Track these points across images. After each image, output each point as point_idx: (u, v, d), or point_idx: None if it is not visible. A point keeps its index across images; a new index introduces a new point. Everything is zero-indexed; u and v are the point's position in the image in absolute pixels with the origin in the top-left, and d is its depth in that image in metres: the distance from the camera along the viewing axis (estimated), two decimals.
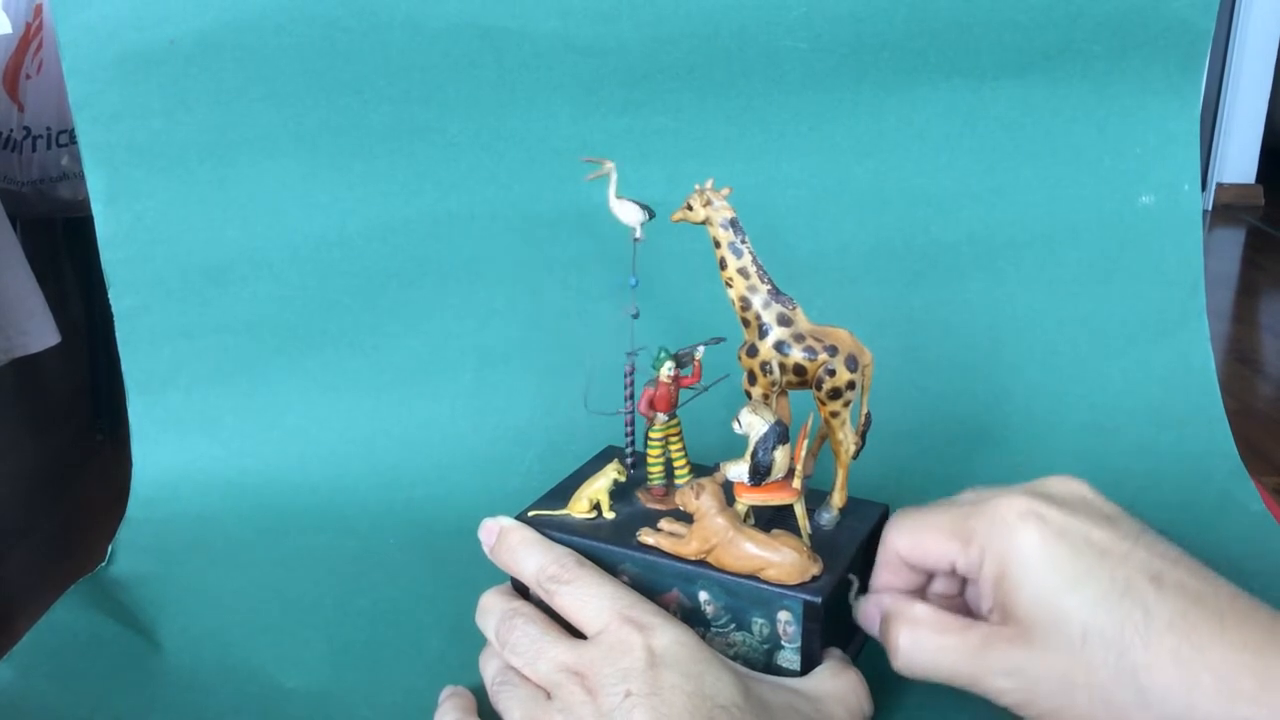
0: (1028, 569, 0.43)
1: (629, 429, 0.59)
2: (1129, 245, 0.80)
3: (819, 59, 0.75)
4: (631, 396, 0.57)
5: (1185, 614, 0.41)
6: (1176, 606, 0.41)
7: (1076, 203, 0.80)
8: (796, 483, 0.51)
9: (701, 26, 0.74)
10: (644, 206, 0.55)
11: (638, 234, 0.55)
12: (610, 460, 0.56)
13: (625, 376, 0.57)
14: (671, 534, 0.52)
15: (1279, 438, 1.30)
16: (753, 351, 0.53)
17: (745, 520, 0.51)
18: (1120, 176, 0.79)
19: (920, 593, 0.50)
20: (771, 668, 0.51)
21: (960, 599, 0.50)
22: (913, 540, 0.48)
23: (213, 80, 0.73)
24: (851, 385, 0.52)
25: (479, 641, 0.52)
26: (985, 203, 0.79)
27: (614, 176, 0.54)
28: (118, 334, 0.76)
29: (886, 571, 0.50)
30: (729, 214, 0.53)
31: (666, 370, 0.54)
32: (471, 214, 0.78)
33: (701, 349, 0.55)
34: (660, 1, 0.73)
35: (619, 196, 0.54)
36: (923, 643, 0.46)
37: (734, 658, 0.50)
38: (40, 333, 1.03)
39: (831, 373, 0.52)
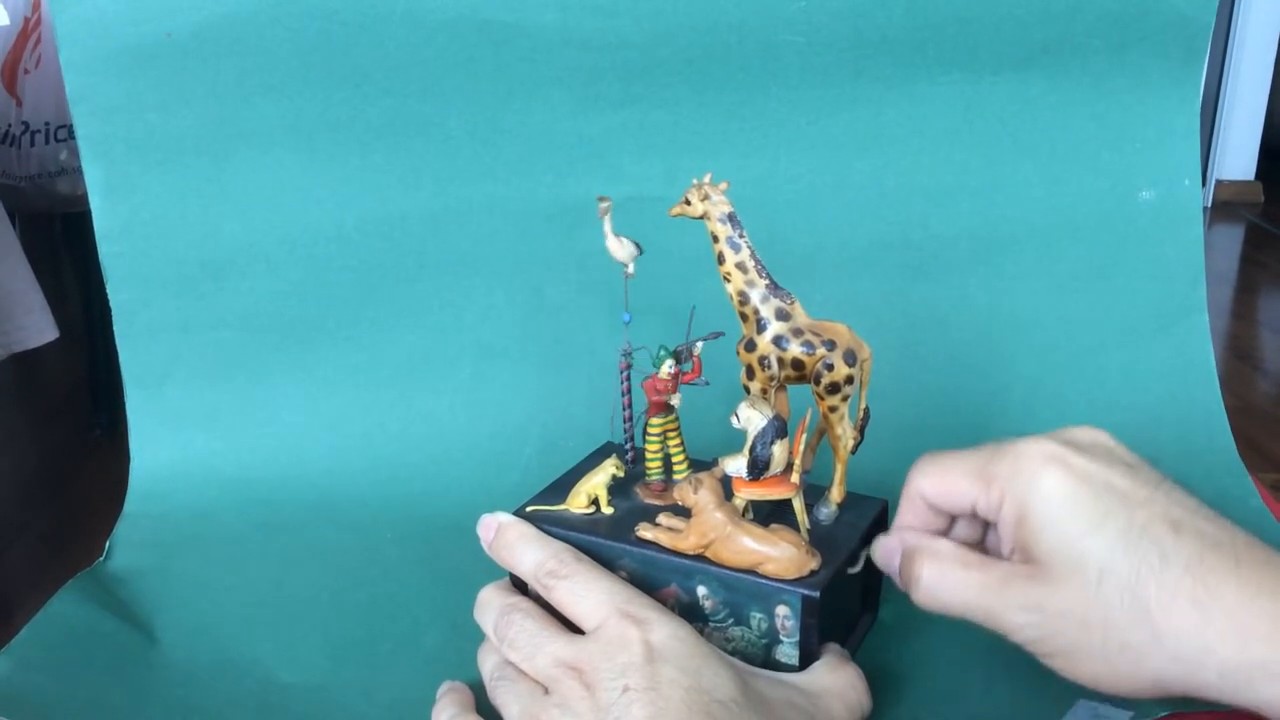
0: (1049, 511, 0.44)
1: (627, 425, 0.59)
2: (1129, 240, 0.80)
3: (818, 53, 0.75)
4: (628, 392, 0.57)
5: (1201, 558, 0.41)
6: (1193, 550, 0.42)
7: (1076, 198, 0.79)
8: (795, 477, 0.51)
9: (700, 20, 0.73)
10: (637, 244, 0.55)
11: (630, 270, 0.55)
12: (608, 455, 0.56)
13: (620, 373, 0.57)
14: (670, 529, 0.52)
15: (1278, 435, 1.30)
16: (751, 346, 0.53)
17: (743, 515, 0.51)
18: (1120, 171, 0.79)
19: (941, 536, 0.50)
20: (770, 663, 0.51)
21: (981, 545, 0.51)
22: (936, 481, 0.49)
23: (210, 74, 0.73)
24: (850, 380, 0.52)
25: (477, 636, 0.52)
26: (984, 197, 0.79)
27: (610, 215, 0.54)
28: (115, 328, 0.76)
29: (909, 512, 0.50)
30: (727, 208, 0.53)
31: (667, 368, 0.54)
32: (470, 208, 0.78)
33: (700, 344, 0.55)
34: None
35: (616, 234, 0.55)
36: (945, 576, 0.47)
37: (732, 653, 0.50)
38: (38, 328, 1.03)
39: (830, 367, 0.52)
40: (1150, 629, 0.41)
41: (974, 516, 0.49)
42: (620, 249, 0.55)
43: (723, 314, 0.55)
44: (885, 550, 0.50)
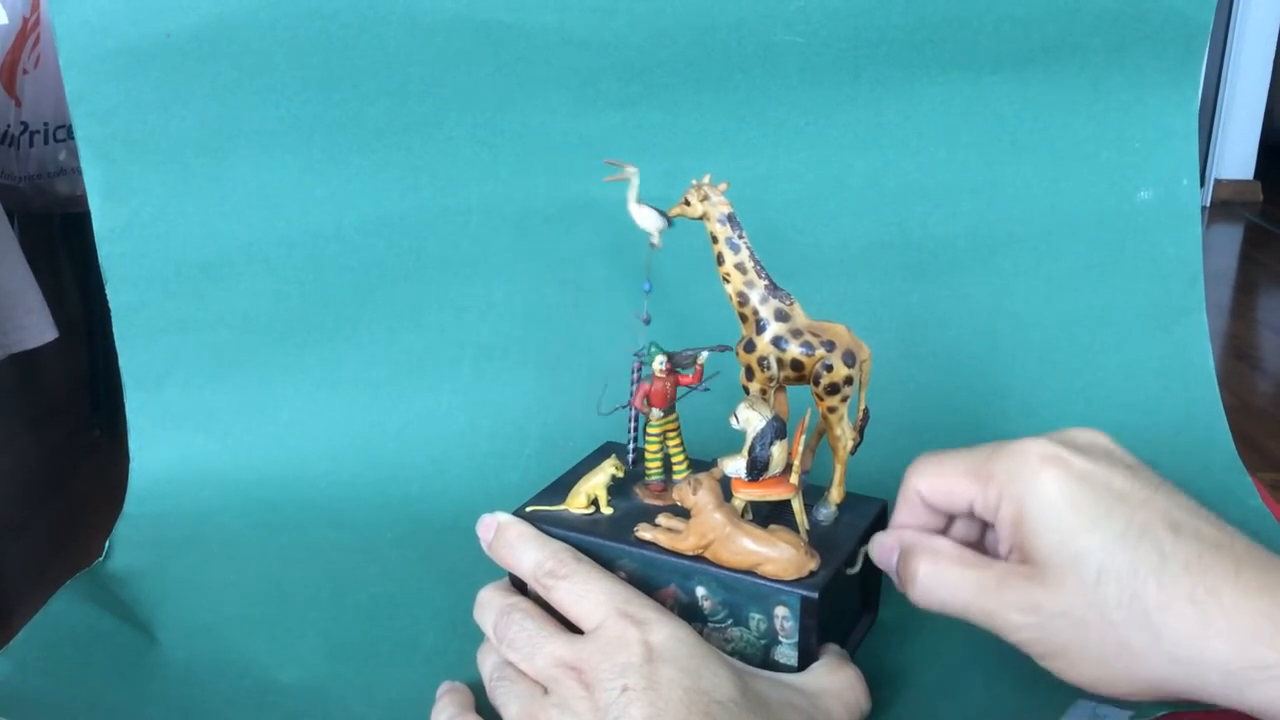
0: (1046, 510, 0.44)
1: (632, 424, 0.58)
2: (1127, 240, 0.80)
3: (816, 53, 0.75)
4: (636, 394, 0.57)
5: (1201, 557, 0.41)
6: (1192, 551, 0.42)
7: (1074, 197, 0.79)
8: (794, 478, 0.51)
9: (699, 20, 0.74)
10: (664, 214, 0.54)
11: (655, 240, 0.54)
12: (608, 456, 0.56)
13: (632, 373, 0.56)
14: (669, 529, 0.52)
15: (1277, 434, 1.30)
16: (750, 347, 0.53)
17: (743, 515, 0.51)
18: (1118, 171, 0.79)
19: (939, 535, 0.50)
20: (769, 663, 0.51)
21: (979, 544, 0.50)
22: (933, 481, 0.49)
23: (209, 74, 0.73)
24: (849, 380, 0.52)
25: (476, 637, 0.52)
26: (983, 197, 0.79)
27: (635, 181, 0.53)
28: (114, 329, 0.76)
29: (906, 512, 0.50)
30: (726, 209, 0.53)
31: (658, 364, 0.54)
32: (468, 208, 0.78)
33: (705, 354, 0.55)
34: None
35: (639, 202, 0.54)
36: (942, 575, 0.46)
37: (731, 653, 0.50)
38: (38, 328, 1.03)
39: (829, 368, 0.52)
40: (1149, 629, 0.41)
41: (972, 516, 0.49)
42: (645, 218, 0.53)
43: (722, 315, 0.55)
44: (883, 548, 0.50)
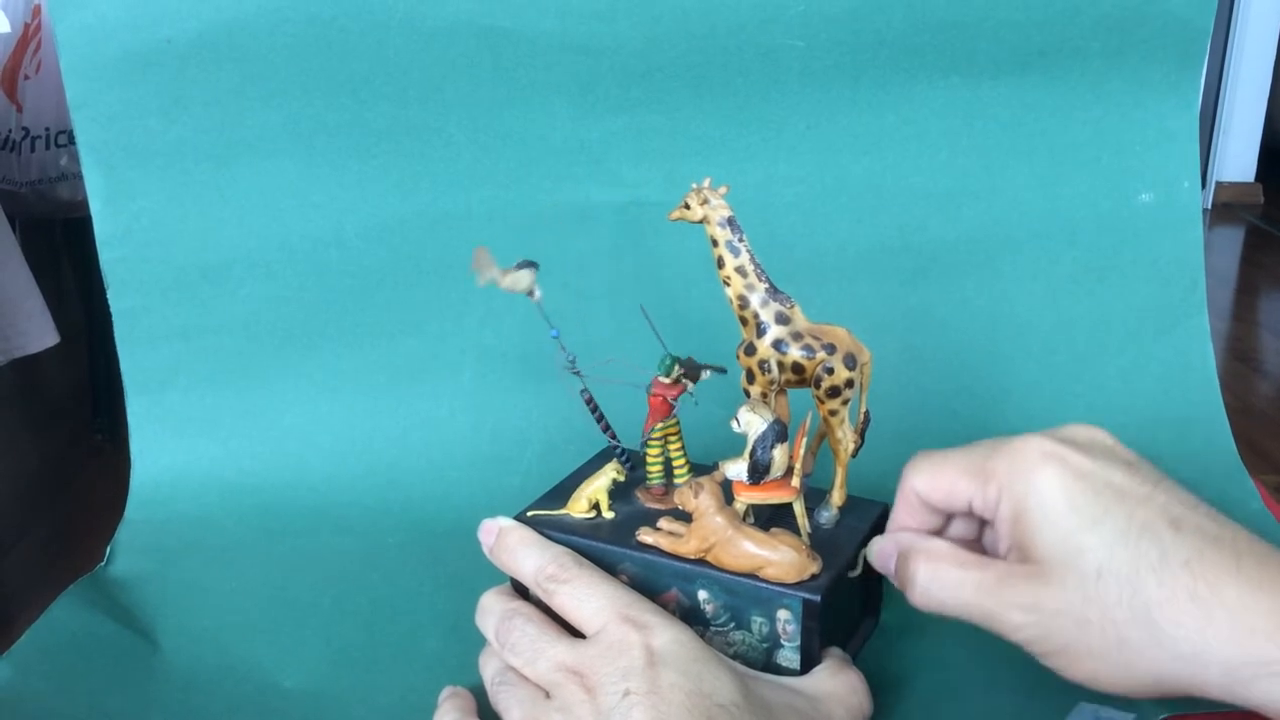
0: (1046, 508, 0.44)
1: (612, 437, 0.58)
2: (1128, 243, 0.80)
3: (816, 57, 0.75)
4: (598, 412, 0.57)
5: (1201, 554, 0.41)
6: (1193, 547, 0.41)
7: (1075, 201, 0.79)
8: (795, 481, 0.51)
9: (699, 25, 0.74)
10: (529, 263, 0.54)
11: (536, 294, 0.55)
12: (609, 460, 0.56)
13: (581, 394, 0.56)
14: (670, 533, 0.52)
15: (1278, 436, 1.30)
16: (751, 350, 0.53)
17: (744, 519, 0.51)
18: (1119, 174, 0.79)
19: (937, 535, 0.50)
20: (771, 667, 0.51)
21: (977, 543, 0.50)
22: (931, 479, 0.48)
23: (210, 80, 0.73)
24: (850, 383, 0.52)
25: (478, 641, 0.52)
26: (984, 201, 0.79)
27: (489, 259, 0.53)
28: (116, 334, 0.76)
29: (904, 512, 0.50)
30: (726, 212, 0.53)
31: (675, 374, 0.54)
32: (469, 213, 0.78)
33: (707, 373, 0.55)
34: (657, 0, 0.73)
35: (504, 270, 0.53)
36: (941, 576, 0.46)
37: (733, 657, 0.50)
38: (39, 333, 1.03)
39: (830, 371, 0.52)
40: (1150, 627, 0.41)
41: (970, 515, 0.48)
42: (518, 281, 0.54)
43: (722, 318, 0.55)
44: (881, 551, 0.50)
